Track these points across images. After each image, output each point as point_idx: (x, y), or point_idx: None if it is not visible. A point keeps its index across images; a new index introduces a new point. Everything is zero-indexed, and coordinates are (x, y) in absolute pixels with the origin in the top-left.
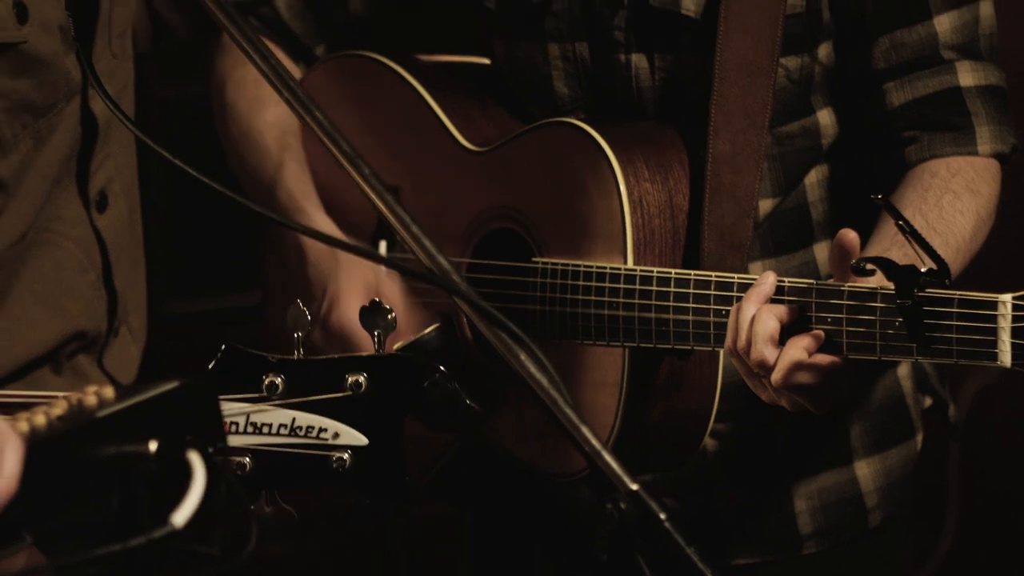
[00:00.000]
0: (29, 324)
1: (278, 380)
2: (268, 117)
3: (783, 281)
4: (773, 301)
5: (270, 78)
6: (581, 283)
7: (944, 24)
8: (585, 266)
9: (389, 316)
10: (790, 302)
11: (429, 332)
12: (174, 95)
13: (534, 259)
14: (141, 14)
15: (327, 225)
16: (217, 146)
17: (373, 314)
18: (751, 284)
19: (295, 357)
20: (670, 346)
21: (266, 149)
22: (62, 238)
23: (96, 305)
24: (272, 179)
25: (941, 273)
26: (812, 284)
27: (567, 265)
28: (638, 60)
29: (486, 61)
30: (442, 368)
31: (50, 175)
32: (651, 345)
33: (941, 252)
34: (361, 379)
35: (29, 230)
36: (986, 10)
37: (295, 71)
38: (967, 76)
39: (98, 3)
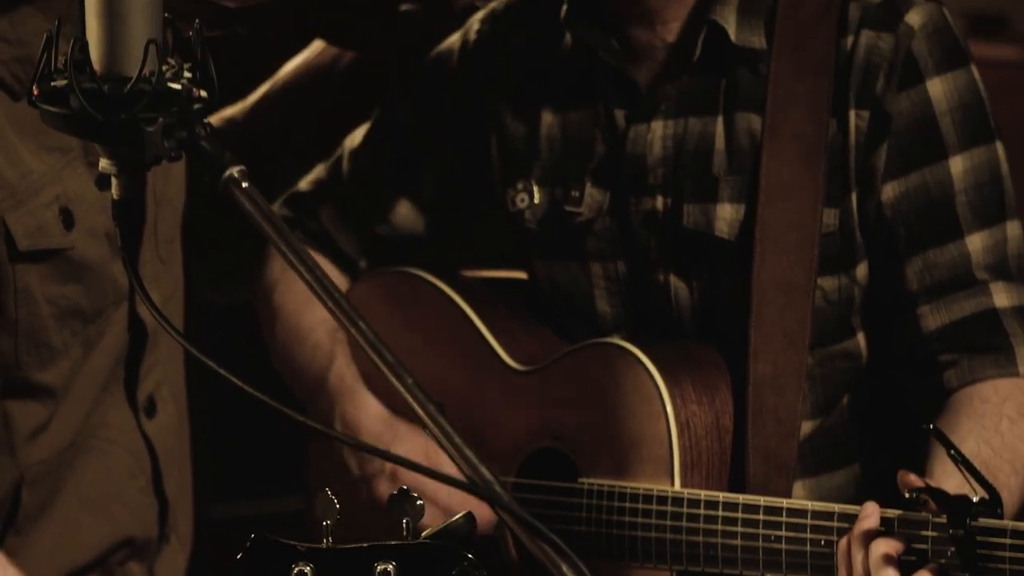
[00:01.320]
0: (77, 531)
1: (307, 569)
2: (318, 315)
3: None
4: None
5: (315, 289)
6: (628, 505)
7: (976, 244)
8: (632, 488)
9: (417, 503)
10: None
11: (458, 519)
12: (221, 300)
13: (580, 480)
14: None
15: (377, 408)
16: (263, 353)
17: (401, 501)
18: (802, 509)
19: (324, 545)
20: (719, 570)
21: (317, 343)
22: (110, 444)
23: (146, 512)
24: (323, 367)
25: (993, 503)
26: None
27: (613, 487)
28: (676, 281)
29: (524, 275)
30: (471, 556)
31: (98, 381)
32: (699, 568)
33: (1011, 480)
34: (390, 568)
35: (77, 436)
36: (1013, 230)
37: (341, 282)
38: (1002, 297)
39: (144, 209)
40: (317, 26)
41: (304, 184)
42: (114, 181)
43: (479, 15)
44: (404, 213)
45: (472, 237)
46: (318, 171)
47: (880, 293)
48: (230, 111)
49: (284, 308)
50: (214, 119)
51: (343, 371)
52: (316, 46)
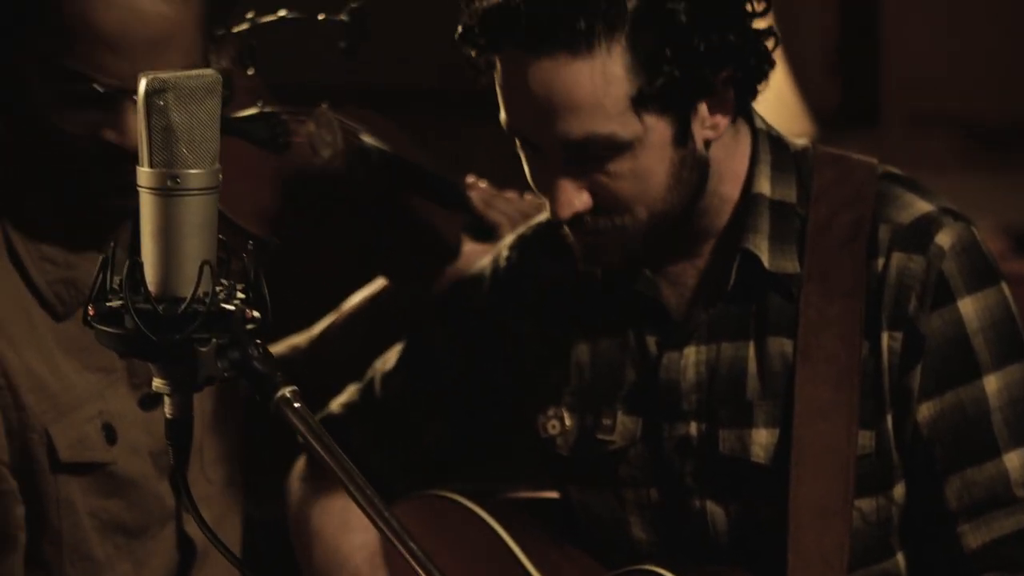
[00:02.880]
0: None
1: None
2: (357, 541)
3: None
4: None
5: (367, 508)
6: None
7: (1014, 461)
8: None
9: None
10: None
11: None
12: (260, 516)
13: None
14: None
15: None
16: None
17: None
18: None
19: None
20: None
21: (356, 570)
22: None
23: None
24: None
25: None
26: None
27: None
28: (712, 506)
29: (556, 496)
30: None
31: None
32: None
33: None
34: None
35: None
36: None
37: None
38: None
39: (191, 430)
40: (381, 267)
41: (336, 407)
42: (166, 400)
43: (508, 240)
44: (437, 437)
45: (506, 457)
46: (350, 393)
47: (918, 512)
48: (296, 339)
49: (322, 532)
50: (280, 346)
51: None
52: (381, 281)
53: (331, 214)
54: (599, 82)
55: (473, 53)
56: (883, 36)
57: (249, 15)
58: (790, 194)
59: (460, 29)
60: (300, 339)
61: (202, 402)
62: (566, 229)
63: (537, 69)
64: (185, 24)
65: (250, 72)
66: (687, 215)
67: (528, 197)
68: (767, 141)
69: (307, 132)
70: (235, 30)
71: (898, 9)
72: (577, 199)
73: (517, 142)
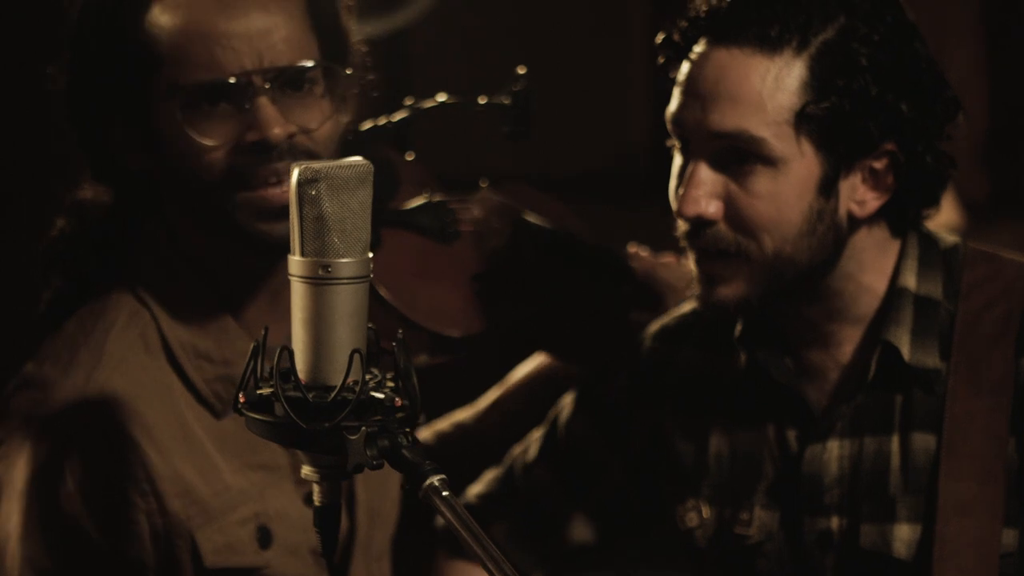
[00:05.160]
0: None
1: None
2: None
3: None
4: None
5: None
6: None
7: None
8: None
9: None
10: None
11: None
12: None
13: None
14: None
15: None
16: None
17: None
18: None
19: None
20: None
21: None
22: None
23: None
24: None
25: None
26: None
27: None
28: None
29: None
30: None
31: None
32: None
33: None
34: None
35: None
36: None
37: None
38: None
39: (355, 523)
40: (550, 344)
41: (473, 497)
42: (315, 487)
43: (652, 329)
44: (578, 528)
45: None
46: (488, 482)
47: None
48: (460, 415)
49: None
50: (444, 423)
51: None
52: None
53: (509, 301)
54: (770, 83)
55: (670, 54)
56: None
57: (408, 101)
58: (936, 290)
59: (662, 36)
60: (465, 415)
61: (370, 496)
62: (689, 261)
63: (719, 54)
64: (289, 11)
65: (409, 158)
66: (815, 288)
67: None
68: (916, 236)
69: (473, 218)
70: (395, 118)
71: None
72: (707, 201)
73: (672, 144)
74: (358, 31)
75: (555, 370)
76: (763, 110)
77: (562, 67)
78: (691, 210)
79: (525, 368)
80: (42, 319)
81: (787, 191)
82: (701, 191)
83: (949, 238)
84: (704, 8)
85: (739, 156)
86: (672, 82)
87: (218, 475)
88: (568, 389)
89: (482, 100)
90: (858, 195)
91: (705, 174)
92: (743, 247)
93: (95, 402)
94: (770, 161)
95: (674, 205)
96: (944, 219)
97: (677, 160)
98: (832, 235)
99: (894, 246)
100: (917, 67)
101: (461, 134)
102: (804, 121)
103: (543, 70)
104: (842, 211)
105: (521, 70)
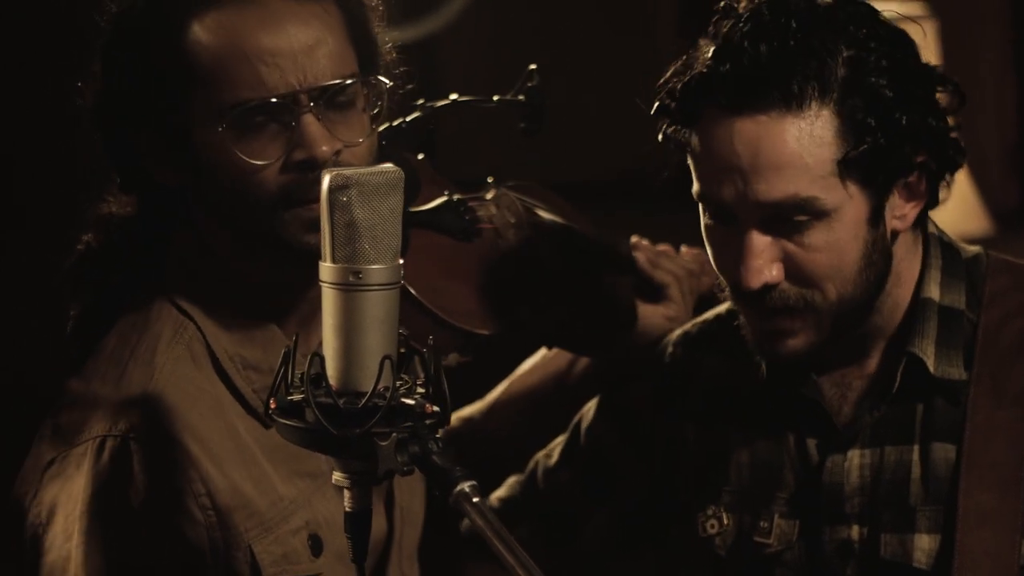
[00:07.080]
0: None
1: None
2: None
3: None
4: None
5: None
6: None
7: None
8: None
9: None
10: None
11: None
12: None
13: None
14: None
15: None
16: None
17: None
18: None
19: None
20: None
21: None
22: None
23: None
24: None
25: None
26: None
27: None
28: None
29: None
30: None
31: None
32: None
33: None
34: None
35: None
36: None
37: None
38: None
39: (392, 524)
40: (561, 339)
41: (496, 501)
42: (346, 493)
43: (674, 336)
44: (598, 532)
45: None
46: (510, 487)
47: None
48: (468, 411)
49: None
50: (453, 419)
51: None
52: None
53: (529, 296)
54: (807, 142)
55: (671, 130)
56: None
57: (419, 101)
58: (959, 300)
59: (657, 105)
60: (472, 410)
61: (402, 497)
62: (744, 318)
63: (744, 126)
64: (330, 25)
65: (420, 157)
66: (867, 310)
67: (685, 250)
68: (938, 246)
69: (491, 216)
70: (409, 118)
71: None
72: (768, 269)
73: (706, 217)
74: (388, 38)
75: (563, 365)
76: (808, 170)
77: (585, 67)
78: (756, 282)
79: (531, 360)
80: (72, 334)
81: (843, 236)
82: (761, 260)
83: (971, 248)
84: (701, 73)
85: (789, 218)
86: (679, 145)
87: (271, 485)
88: (578, 387)
89: (496, 98)
90: (898, 211)
91: (759, 241)
92: (808, 299)
93: (151, 417)
94: (823, 214)
95: (724, 276)
96: (973, 228)
97: (709, 223)
98: (883, 260)
99: (918, 254)
100: (921, 71)
101: (476, 135)
102: (847, 167)
103: (567, 71)
104: (888, 233)
105: (533, 67)
